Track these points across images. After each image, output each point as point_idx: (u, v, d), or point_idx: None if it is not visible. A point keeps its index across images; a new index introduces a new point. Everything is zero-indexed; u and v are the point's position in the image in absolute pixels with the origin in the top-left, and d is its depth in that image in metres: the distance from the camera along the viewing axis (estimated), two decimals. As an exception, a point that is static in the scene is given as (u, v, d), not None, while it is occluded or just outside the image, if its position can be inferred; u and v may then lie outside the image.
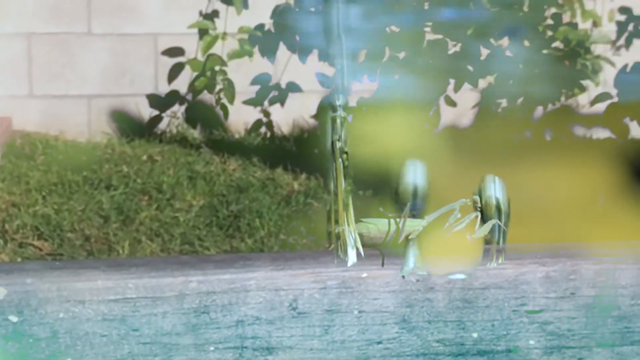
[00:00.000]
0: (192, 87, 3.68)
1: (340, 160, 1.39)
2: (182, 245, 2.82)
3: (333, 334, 1.47)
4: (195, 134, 3.70)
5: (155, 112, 3.73)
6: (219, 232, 2.91)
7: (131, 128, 3.64)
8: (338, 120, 1.39)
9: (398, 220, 1.39)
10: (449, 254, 1.41)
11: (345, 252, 1.40)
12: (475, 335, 1.46)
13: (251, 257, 1.53)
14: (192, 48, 3.71)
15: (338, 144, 1.39)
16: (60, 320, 1.43)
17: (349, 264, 1.40)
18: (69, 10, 3.65)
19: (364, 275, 1.47)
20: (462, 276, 1.46)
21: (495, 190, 1.36)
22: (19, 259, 2.70)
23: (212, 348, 1.45)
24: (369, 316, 1.47)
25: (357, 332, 1.47)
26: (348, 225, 1.40)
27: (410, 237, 1.38)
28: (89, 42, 3.68)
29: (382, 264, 1.46)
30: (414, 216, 1.39)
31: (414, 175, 1.40)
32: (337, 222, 1.40)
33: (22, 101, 3.68)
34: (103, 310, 1.44)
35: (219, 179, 3.24)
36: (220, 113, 3.74)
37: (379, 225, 1.39)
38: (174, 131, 3.71)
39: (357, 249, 1.40)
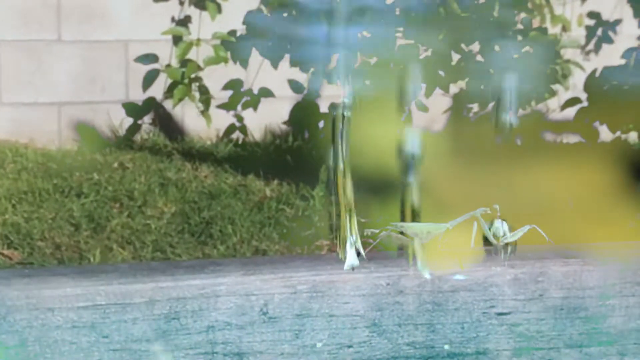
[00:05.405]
0: (169, 94, 3.67)
1: (343, 163, 1.40)
2: (153, 253, 2.81)
3: (304, 338, 1.47)
4: (167, 140, 3.70)
5: (127, 120, 3.72)
6: (190, 239, 2.90)
7: (95, 141, 3.62)
8: (341, 122, 1.40)
9: (397, 224, 1.41)
10: (451, 256, 1.43)
11: (345, 254, 1.42)
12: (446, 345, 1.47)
13: (221, 262, 1.53)
14: (164, 54, 3.70)
15: (343, 145, 1.40)
16: (29, 328, 1.42)
17: (346, 267, 1.42)
18: (38, 17, 3.63)
19: (334, 279, 1.48)
20: (462, 277, 1.47)
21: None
22: (-11, 268, 2.68)
23: (182, 354, 1.44)
24: (340, 320, 1.48)
25: (327, 336, 1.47)
26: (350, 228, 1.42)
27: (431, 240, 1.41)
28: (58, 49, 3.66)
29: (353, 268, 1.47)
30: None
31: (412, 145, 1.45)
32: (340, 223, 1.42)
33: (-9, 109, 3.66)
34: (72, 317, 1.43)
35: (190, 186, 3.23)
36: (192, 119, 3.73)
37: (414, 229, 1.42)
38: (145, 138, 3.70)
39: (358, 251, 1.41)
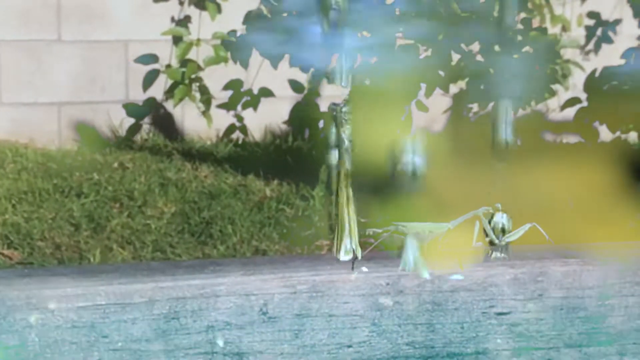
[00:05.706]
0: (169, 94, 3.68)
1: (345, 162, 1.41)
2: (153, 253, 2.82)
3: (303, 338, 1.47)
4: (167, 140, 3.70)
5: (127, 120, 3.72)
6: (190, 239, 2.90)
7: (95, 141, 3.63)
8: (341, 120, 1.41)
9: (398, 224, 1.42)
10: (451, 255, 1.43)
11: (339, 253, 1.43)
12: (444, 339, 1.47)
13: (221, 262, 1.54)
14: (164, 54, 3.70)
15: (344, 145, 1.40)
16: (29, 327, 1.42)
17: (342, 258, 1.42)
18: (38, 17, 3.63)
19: (334, 279, 1.48)
20: (460, 277, 1.48)
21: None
22: (-11, 268, 2.68)
23: (182, 354, 1.44)
24: (339, 320, 1.48)
25: (327, 336, 1.48)
26: (348, 228, 1.42)
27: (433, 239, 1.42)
28: (58, 49, 3.67)
29: (352, 268, 1.47)
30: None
31: (413, 154, 1.45)
32: (337, 222, 1.43)
33: (-9, 109, 3.66)
34: (72, 317, 1.43)
35: (190, 186, 3.24)
36: (192, 119, 3.74)
37: (416, 228, 1.43)
38: (145, 138, 3.70)
39: (353, 251, 1.42)
